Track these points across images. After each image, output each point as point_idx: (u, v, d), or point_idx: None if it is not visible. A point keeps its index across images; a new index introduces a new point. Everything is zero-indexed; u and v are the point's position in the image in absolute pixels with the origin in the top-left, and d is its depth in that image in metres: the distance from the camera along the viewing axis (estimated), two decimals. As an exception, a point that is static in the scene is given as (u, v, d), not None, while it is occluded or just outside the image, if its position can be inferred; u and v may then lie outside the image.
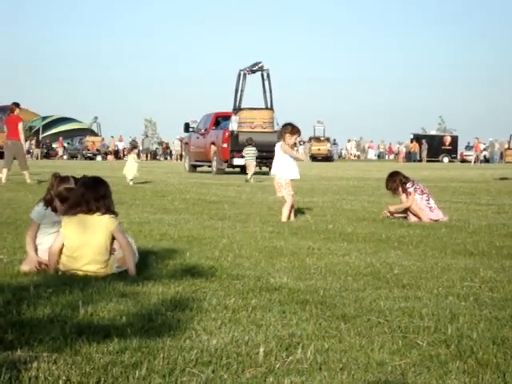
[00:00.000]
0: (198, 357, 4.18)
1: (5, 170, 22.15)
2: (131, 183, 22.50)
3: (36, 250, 7.02)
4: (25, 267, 6.88)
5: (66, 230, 6.67)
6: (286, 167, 12.07)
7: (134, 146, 35.67)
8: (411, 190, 11.99)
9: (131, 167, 23.02)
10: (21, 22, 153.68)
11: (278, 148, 12.06)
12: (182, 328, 4.78)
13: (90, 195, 6.67)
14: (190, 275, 6.62)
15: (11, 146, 22.17)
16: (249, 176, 27.10)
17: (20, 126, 22.06)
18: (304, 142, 78.93)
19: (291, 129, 11.99)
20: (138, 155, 74.75)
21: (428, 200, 12.00)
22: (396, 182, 12.18)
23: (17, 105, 22.73)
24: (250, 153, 28.20)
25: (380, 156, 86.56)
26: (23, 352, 4.21)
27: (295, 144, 12.11)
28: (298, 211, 13.32)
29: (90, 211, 6.65)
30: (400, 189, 12.09)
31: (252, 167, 27.80)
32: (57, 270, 6.72)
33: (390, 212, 12.23)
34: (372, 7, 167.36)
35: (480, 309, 5.46)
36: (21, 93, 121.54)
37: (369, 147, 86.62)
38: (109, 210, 6.75)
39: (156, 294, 5.80)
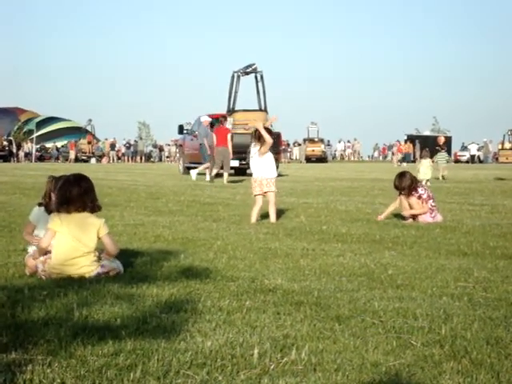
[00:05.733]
0: (192, 359, 4.18)
1: (215, 170, 26.90)
2: None
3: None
4: (29, 261, 6.89)
5: (58, 236, 6.71)
6: (267, 166, 12.15)
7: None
8: (425, 196, 11.96)
9: None
10: (15, 22, 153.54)
11: (256, 151, 12.15)
12: (176, 330, 4.78)
13: (74, 191, 6.76)
14: (184, 277, 6.63)
15: (222, 151, 26.59)
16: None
17: (228, 136, 27.02)
18: (299, 144, 78.99)
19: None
20: (133, 157, 75.35)
21: (433, 203, 12.02)
22: (409, 180, 12.03)
23: (224, 118, 28.35)
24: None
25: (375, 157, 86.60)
26: (18, 355, 4.21)
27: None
28: (293, 212, 13.33)
29: (78, 208, 6.74)
30: (412, 192, 11.94)
31: None
32: (44, 275, 6.71)
33: (405, 216, 12.01)
34: (367, 9, 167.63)
35: (474, 309, 5.47)
36: (14, 93, 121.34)
37: (382, 150, 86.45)
38: (94, 203, 6.84)
39: (150, 296, 5.80)
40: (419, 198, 11.95)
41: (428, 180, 25.14)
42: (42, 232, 7.01)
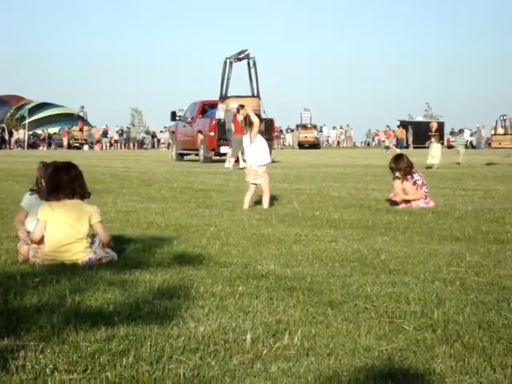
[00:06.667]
0: (185, 344, 4.19)
1: (232, 159, 27.05)
2: None
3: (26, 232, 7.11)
4: (22, 248, 6.89)
5: (50, 224, 6.71)
6: (259, 153, 12.15)
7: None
8: (420, 182, 11.95)
9: None
10: (9, 11, 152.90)
11: (247, 138, 12.19)
12: (169, 316, 4.79)
13: (64, 178, 6.79)
14: (177, 263, 6.63)
15: (238, 140, 25.30)
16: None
17: None
18: (292, 130, 78.96)
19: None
20: (126, 144, 75.24)
21: (426, 190, 12.02)
22: (405, 163, 11.99)
23: (242, 106, 26.97)
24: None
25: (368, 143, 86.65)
26: (10, 341, 4.21)
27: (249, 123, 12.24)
28: (285, 198, 13.34)
29: (68, 195, 6.75)
30: (407, 175, 11.89)
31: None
32: (36, 263, 6.71)
33: (400, 201, 11.98)
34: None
35: (466, 293, 5.49)
36: (6, 80, 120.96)
37: (375, 135, 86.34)
38: (83, 190, 6.87)
39: (143, 282, 5.80)
40: (414, 183, 11.94)
41: (437, 164, 25.43)
42: (35, 218, 7.01)
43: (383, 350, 4.13)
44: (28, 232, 7.10)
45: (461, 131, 74.93)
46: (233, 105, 29.91)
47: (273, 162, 12.25)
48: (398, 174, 12.01)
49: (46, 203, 6.80)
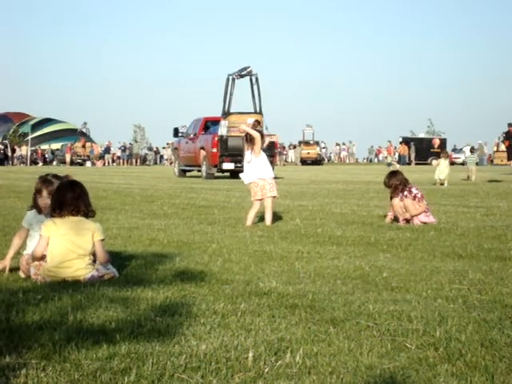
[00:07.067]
0: (187, 362, 4.18)
1: None
2: None
3: (17, 252, 7.15)
4: (24, 265, 6.94)
5: (53, 240, 6.72)
6: (266, 167, 12.17)
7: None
8: (419, 195, 11.95)
9: None
10: (9, 23, 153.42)
11: (250, 153, 12.19)
12: (171, 333, 4.78)
13: (68, 195, 6.82)
14: (179, 280, 6.62)
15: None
16: None
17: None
18: (294, 146, 79.03)
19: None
20: (129, 160, 75.19)
21: (427, 204, 12.05)
22: (398, 180, 12.00)
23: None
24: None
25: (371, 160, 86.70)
26: (12, 359, 4.20)
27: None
28: (288, 215, 13.33)
29: (72, 211, 6.77)
30: (404, 192, 11.90)
31: None
32: (38, 280, 6.71)
33: (403, 219, 11.98)
34: (360, 11, 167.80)
35: (468, 311, 5.47)
36: (10, 96, 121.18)
37: (377, 152, 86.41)
38: (88, 208, 6.89)
39: (145, 300, 5.80)
40: (414, 198, 11.92)
41: (445, 180, 25.81)
42: (37, 234, 7.02)
43: (385, 368, 4.12)
44: (19, 253, 7.15)
45: (460, 150, 75.11)
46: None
47: (274, 178, 12.21)
48: (389, 190, 12.03)
49: (50, 219, 6.82)
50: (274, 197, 12.08)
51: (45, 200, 7.15)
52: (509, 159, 35.43)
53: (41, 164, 70.78)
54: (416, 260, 8.06)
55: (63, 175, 7.46)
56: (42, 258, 6.76)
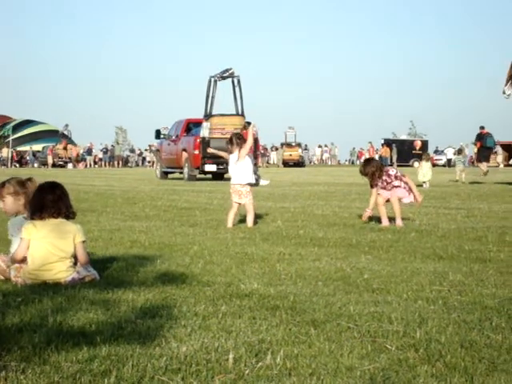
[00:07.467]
0: (167, 364, 4.17)
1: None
2: None
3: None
4: (2, 268, 6.89)
5: (34, 242, 6.69)
6: (243, 172, 12.17)
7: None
8: (399, 173, 11.94)
9: None
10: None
11: (234, 157, 12.18)
12: (151, 335, 4.77)
13: (48, 198, 6.78)
14: (160, 282, 6.61)
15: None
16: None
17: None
18: (276, 148, 79.10)
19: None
20: (111, 162, 75.00)
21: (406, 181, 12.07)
22: (373, 167, 11.87)
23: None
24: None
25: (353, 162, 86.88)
26: (-9, 362, 4.18)
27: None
28: (270, 217, 13.34)
29: (52, 214, 6.74)
30: (382, 177, 11.80)
31: None
32: (19, 282, 6.68)
33: (419, 200, 12.00)
34: (345, 12, 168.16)
35: (449, 312, 5.50)
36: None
37: (359, 153, 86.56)
38: (68, 210, 6.85)
39: (126, 302, 5.78)
40: (396, 177, 11.86)
41: (428, 181, 26.05)
42: (15, 238, 6.99)
43: (365, 369, 4.13)
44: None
45: (442, 152, 75.38)
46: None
47: (257, 182, 12.26)
48: (366, 177, 11.95)
49: (30, 222, 6.79)
50: (249, 203, 12.04)
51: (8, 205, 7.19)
52: (478, 161, 35.64)
53: (18, 166, 70.44)
54: (397, 261, 8.08)
55: (25, 178, 7.43)
56: (23, 260, 6.73)
